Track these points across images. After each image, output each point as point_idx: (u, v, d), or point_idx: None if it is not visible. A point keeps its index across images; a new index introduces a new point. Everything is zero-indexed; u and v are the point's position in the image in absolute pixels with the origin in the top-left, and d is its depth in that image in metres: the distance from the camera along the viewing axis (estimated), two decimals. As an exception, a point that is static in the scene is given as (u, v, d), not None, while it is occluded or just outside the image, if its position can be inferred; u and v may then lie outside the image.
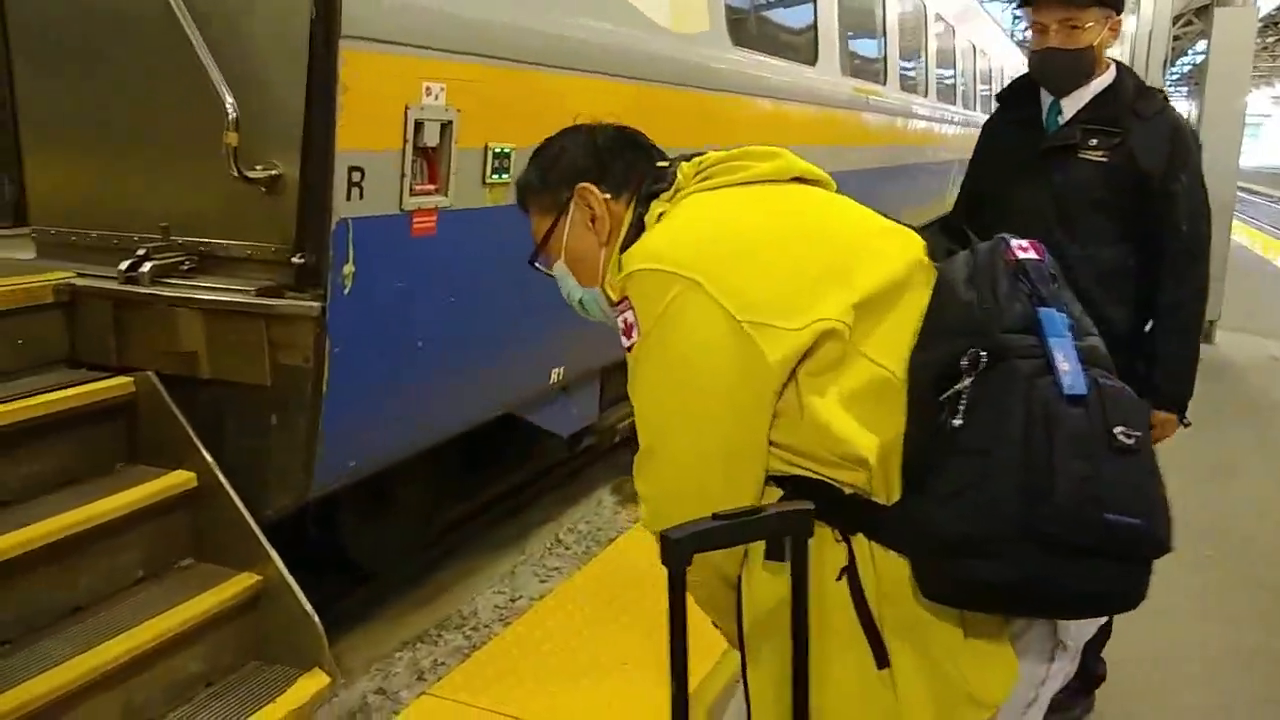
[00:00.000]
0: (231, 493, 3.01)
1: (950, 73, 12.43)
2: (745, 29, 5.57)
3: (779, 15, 6.74)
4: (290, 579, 3.01)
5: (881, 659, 1.40)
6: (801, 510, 1.19)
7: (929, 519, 1.29)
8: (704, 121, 4.96)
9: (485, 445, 4.78)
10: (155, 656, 2.73)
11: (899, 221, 1.62)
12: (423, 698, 3.28)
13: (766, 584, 1.47)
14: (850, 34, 7.68)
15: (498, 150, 3.37)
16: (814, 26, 6.70)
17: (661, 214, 1.58)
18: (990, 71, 15.56)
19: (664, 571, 1.26)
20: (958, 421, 1.27)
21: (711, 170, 1.61)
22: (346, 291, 2.87)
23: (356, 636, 4.23)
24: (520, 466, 5.66)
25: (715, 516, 1.16)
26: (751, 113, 5.62)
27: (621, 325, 1.48)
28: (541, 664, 3.40)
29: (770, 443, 1.43)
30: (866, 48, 8.30)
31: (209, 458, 3.02)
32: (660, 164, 1.71)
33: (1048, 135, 2.67)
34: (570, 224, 1.70)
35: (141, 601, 2.86)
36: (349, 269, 2.86)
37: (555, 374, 4.18)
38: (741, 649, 1.51)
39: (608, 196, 1.68)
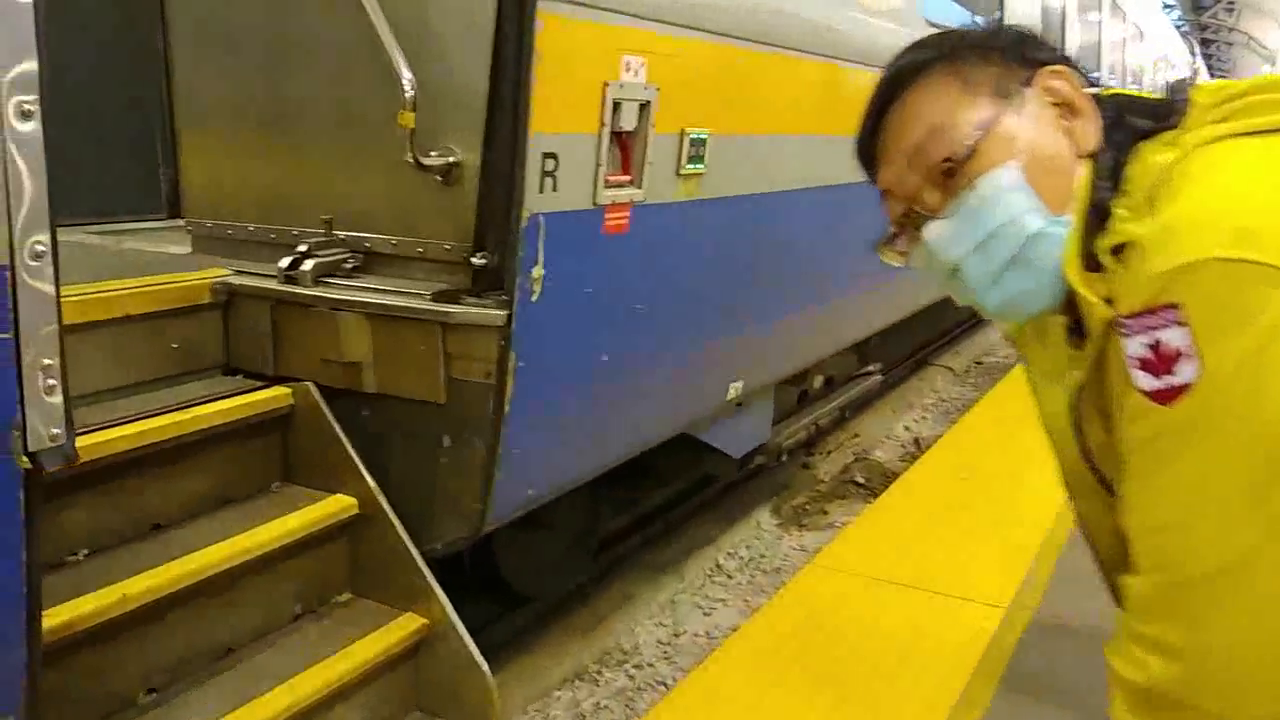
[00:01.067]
0: (396, 522, 2.66)
1: (1119, 58, 11.49)
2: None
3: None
4: (458, 622, 2.64)
5: None
6: None
7: None
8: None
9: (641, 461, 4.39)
10: (316, 708, 2.39)
11: None
12: (598, 761, 2.87)
13: None
14: (1035, 14, 7.00)
15: (694, 137, 2.94)
16: (1000, 5, 6.09)
17: (1172, 164, 1.00)
18: (1154, 58, 14.44)
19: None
20: None
21: (1246, 104, 1.02)
22: (534, 298, 2.48)
23: (510, 669, 3.88)
24: (675, 483, 5.24)
25: None
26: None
27: (1142, 351, 0.93)
28: (727, 731, 2.96)
29: None
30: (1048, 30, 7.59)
31: (371, 481, 2.68)
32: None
33: None
34: (1021, 121, 1.11)
35: (299, 644, 2.53)
36: (538, 272, 2.47)
37: (734, 389, 3.73)
38: None
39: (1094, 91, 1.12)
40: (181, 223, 3.38)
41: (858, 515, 5.20)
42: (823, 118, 3.72)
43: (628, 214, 2.74)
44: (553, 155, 2.41)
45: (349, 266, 2.80)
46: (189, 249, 3.30)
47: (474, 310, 2.49)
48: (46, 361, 1.43)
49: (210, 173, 3.24)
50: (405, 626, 2.61)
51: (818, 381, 5.29)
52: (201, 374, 2.85)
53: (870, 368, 5.80)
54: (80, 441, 2.35)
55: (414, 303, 2.57)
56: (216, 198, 3.19)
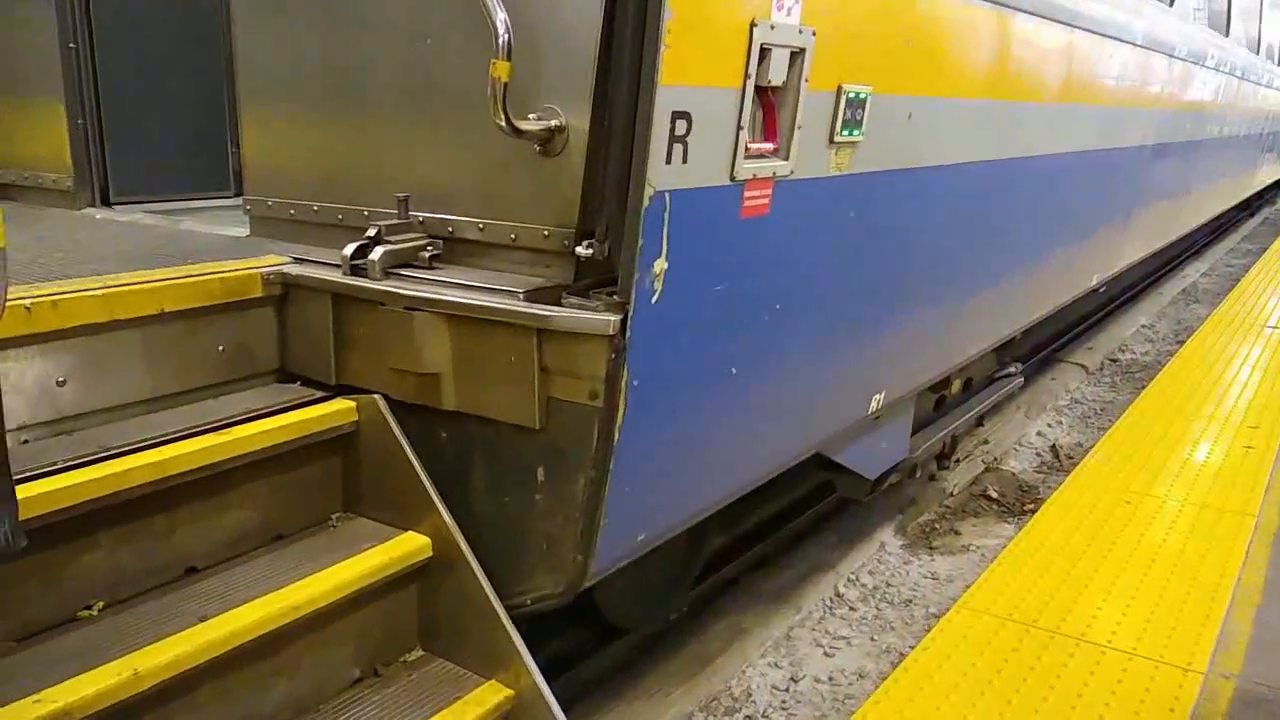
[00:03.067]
0: (477, 569, 2.17)
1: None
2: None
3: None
4: (550, 695, 2.14)
5: None
6: None
7: None
8: (1064, 65, 3.76)
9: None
10: (375, 808, 1.92)
11: None
12: None
13: None
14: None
15: (852, 95, 2.35)
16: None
17: None
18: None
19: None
20: None
21: None
22: (655, 299, 1.94)
23: (601, 714, 3.39)
24: (787, 495, 4.68)
25: None
26: (1110, 59, 4.35)
27: None
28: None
29: None
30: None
31: (448, 518, 2.19)
32: None
33: None
34: None
35: (356, 719, 2.06)
36: (660, 266, 1.92)
37: (875, 401, 3.14)
38: None
39: None
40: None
41: (997, 540, 4.58)
42: (995, 78, 3.09)
43: (769, 192, 2.18)
44: (684, 115, 1.85)
45: (427, 255, 2.30)
46: (248, 231, 2.85)
47: (578, 314, 1.95)
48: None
49: (272, 144, 2.77)
50: (485, 700, 2.12)
51: (956, 385, 4.64)
52: (252, 381, 2.40)
53: (1011, 368, 5.12)
54: (99, 470, 1.92)
55: (503, 302, 2.05)
56: (278, 172, 2.73)
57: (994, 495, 5.18)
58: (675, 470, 2.26)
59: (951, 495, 5.18)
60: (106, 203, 3.48)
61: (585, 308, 1.97)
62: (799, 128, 2.20)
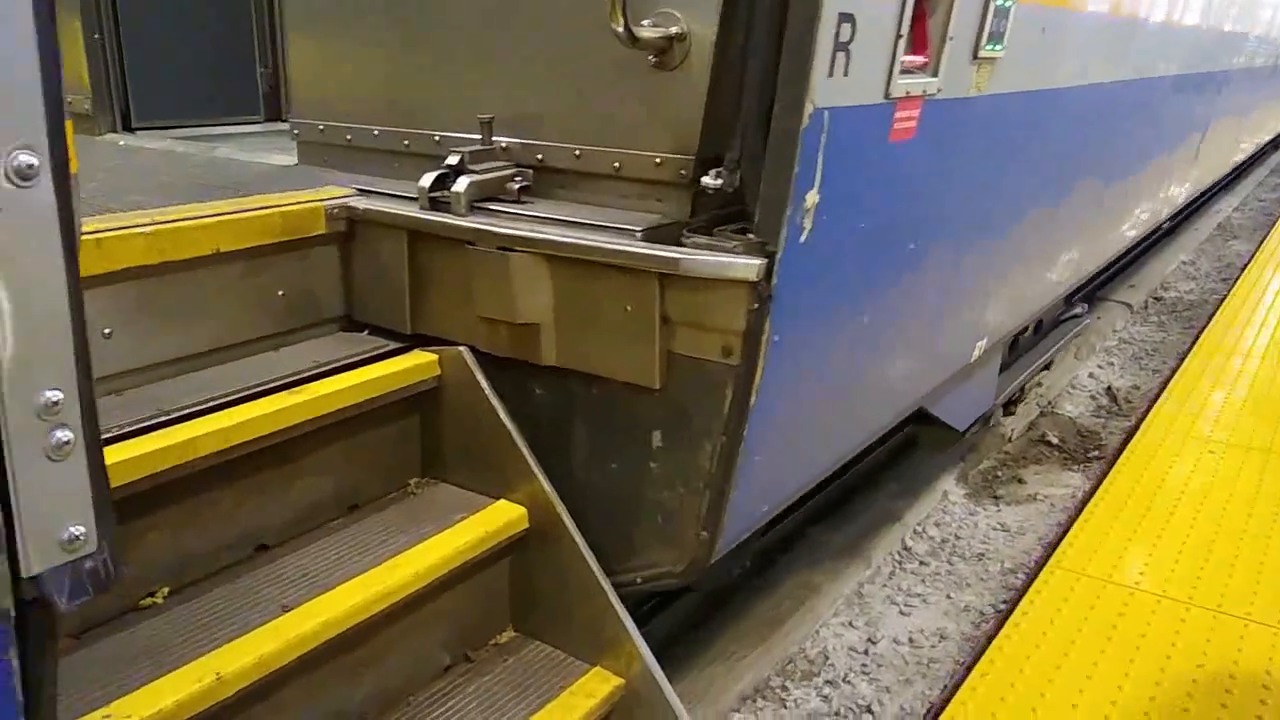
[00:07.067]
0: (580, 542, 1.92)
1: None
2: None
3: None
4: (665, 682, 1.92)
5: None
6: None
7: None
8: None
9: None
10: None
11: None
12: None
13: None
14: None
15: (1001, 3, 2.04)
16: None
17: None
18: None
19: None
20: None
21: None
22: (804, 238, 1.65)
23: (674, 679, 3.18)
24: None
25: None
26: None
27: None
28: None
29: None
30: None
31: (547, 485, 1.93)
32: None
33: None
34: None
35: (454, 714, 1.83)
36: (812, 199, 1.64)
37: (979, 347, 2.88)
38: None
39: None
40: (285, 126, 2.62)
41: (1064, 489, 4.36)
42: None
43: (918, 113, 1.88)
44: (849, 18, 1.55)
45: (515, 187, 2.00)
46: (295, 159, 2.55)
47: (715, 257, 1.67)
48: (51, 396, 0.68)
49: (324, 62, 2.45)
50: (592, 690, 1.89)
51: (1029, 327, 4.37)
52: (314, 330, 2.12)
53: (1078, 309, 4.85)
54: (162, 439, 1.66)
55: (619, 242, 1.76)
56: (332, 93, 2.42)
57: (1054, 441, 4.95)
58: (805, 434, 2.00)
59: (1010, 441, 4.95)
60: (128, 127, 3.16)
61: (720, 249, 1.68)
62: (949, 39, 1.89)
